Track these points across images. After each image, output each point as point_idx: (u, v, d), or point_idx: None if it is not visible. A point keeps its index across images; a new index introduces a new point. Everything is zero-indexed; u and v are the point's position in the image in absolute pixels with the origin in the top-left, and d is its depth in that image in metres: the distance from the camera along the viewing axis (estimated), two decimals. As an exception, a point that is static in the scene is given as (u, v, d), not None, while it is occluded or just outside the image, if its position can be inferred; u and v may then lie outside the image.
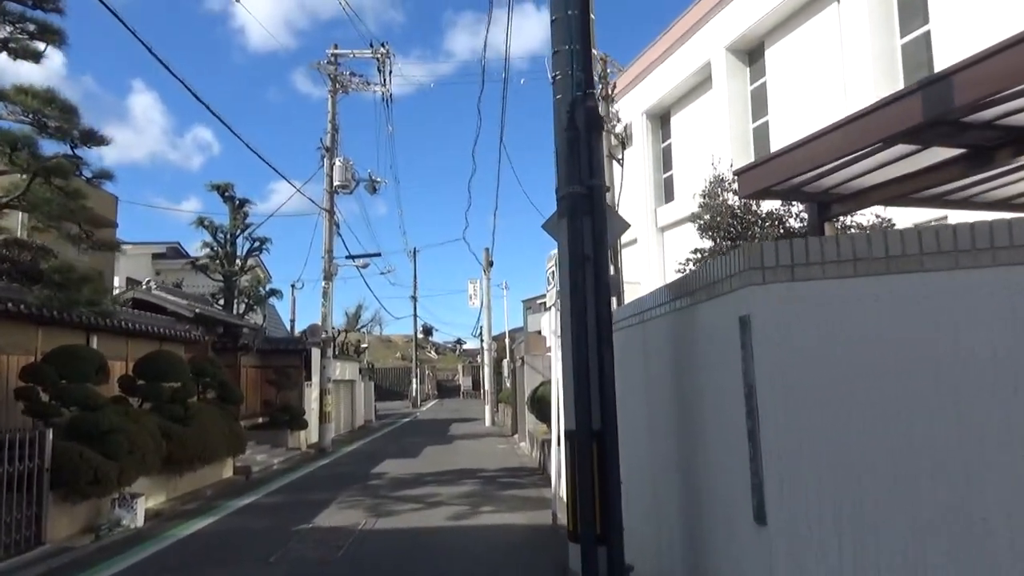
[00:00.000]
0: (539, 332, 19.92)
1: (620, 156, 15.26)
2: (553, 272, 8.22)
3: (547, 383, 13.30)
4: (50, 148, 9.65)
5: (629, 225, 5.53)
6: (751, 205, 10.60)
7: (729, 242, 10.32)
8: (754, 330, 2.94)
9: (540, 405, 12.52)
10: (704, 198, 11.24)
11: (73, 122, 10.01)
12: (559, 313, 5.74)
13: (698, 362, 3.69)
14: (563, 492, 9.24)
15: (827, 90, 12.98)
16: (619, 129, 15.79)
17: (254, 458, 16.60)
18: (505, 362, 36.81)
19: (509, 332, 41.66)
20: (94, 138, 10.35)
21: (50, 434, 8.39)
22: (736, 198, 10.38)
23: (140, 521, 9.45)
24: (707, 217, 10.83)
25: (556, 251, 8.77)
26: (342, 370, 27.48)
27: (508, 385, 32.73)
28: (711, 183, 11.31)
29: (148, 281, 15.84)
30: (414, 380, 49.66)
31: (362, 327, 72.12)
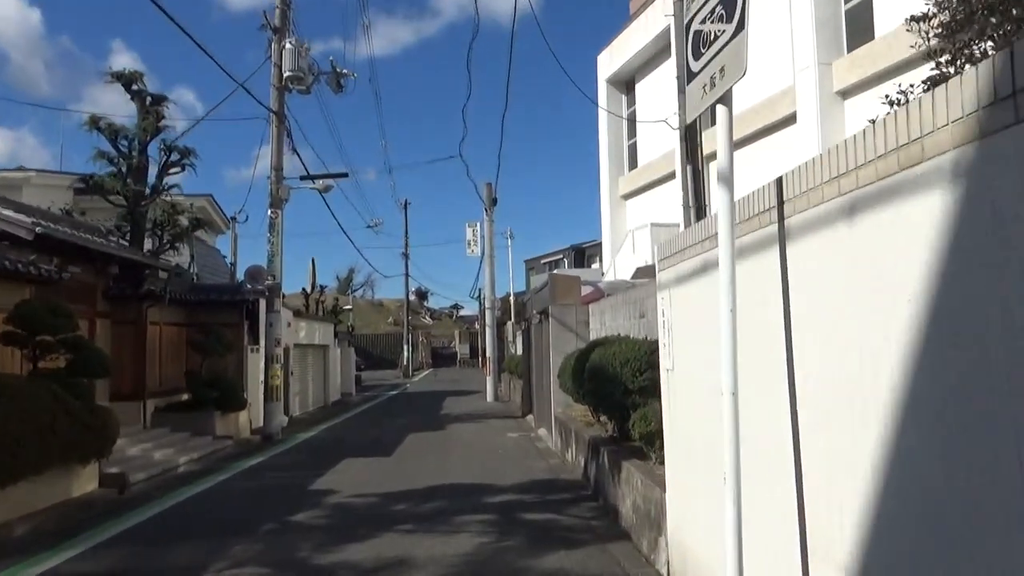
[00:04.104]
0: (568, 276, 14.43)
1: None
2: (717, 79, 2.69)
3: (603, 343, 7.84)
4: None
5: None
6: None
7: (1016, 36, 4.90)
8: None
9: (595, 381, 7.08)
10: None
11: None
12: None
13: None
14: None
15: None
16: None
17: (151, 456, 11.21)
18: (510, 325, 31.35)
19: (514, 295, 36.20)
20: None
21: None
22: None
23: None
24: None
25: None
26: (310, 332, 22.07)
27: (513, 351, 27.32)
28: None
29: (-24, 188, 10.28)
30: (406, 347, 44.08)
31: (354, 291, 66.82)
